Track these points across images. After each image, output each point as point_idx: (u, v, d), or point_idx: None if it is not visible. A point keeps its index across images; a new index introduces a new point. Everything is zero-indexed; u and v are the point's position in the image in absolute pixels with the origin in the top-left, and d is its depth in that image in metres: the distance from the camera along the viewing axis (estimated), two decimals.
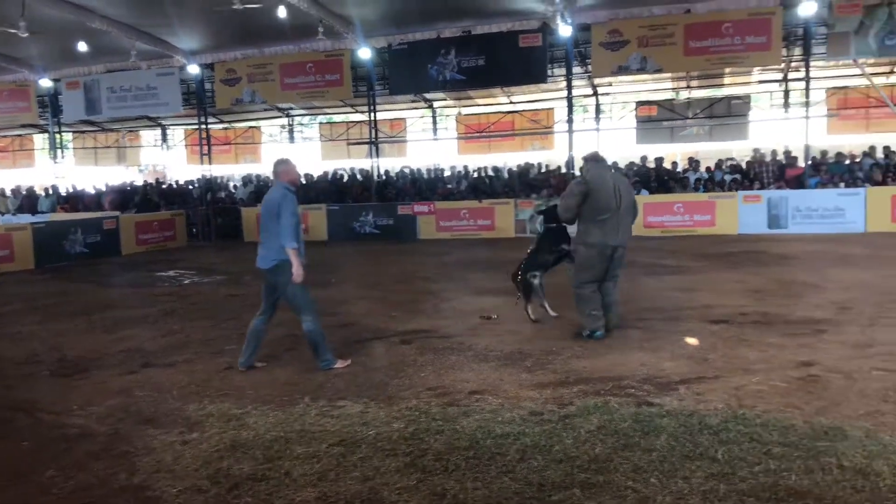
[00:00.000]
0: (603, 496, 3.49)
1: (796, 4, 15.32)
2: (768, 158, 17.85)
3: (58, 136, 24.68)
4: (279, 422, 4.74)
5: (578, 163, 19.29)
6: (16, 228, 15.19)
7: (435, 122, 25.73)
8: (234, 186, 24.27)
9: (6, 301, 10.51)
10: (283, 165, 6.12)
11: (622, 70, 16.92)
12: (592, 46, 17.00)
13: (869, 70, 17.98)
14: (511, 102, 24.20)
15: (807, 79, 16.85)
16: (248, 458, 4.15)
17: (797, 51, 18.47)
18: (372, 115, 20.52)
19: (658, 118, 22.44)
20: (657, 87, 22.53)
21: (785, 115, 21.08)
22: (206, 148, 21.67)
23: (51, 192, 22.63)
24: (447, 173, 22.01)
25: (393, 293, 9.86)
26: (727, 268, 10.95)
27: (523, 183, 19.59)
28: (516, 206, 17.54)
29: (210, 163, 22.15)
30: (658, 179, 18.05)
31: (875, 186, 15.80)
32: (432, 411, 4.78)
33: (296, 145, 27.75)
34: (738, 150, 22.35)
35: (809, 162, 16.85)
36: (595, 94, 22.87)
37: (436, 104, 25.22)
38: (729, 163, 19.04)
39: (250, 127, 27.83)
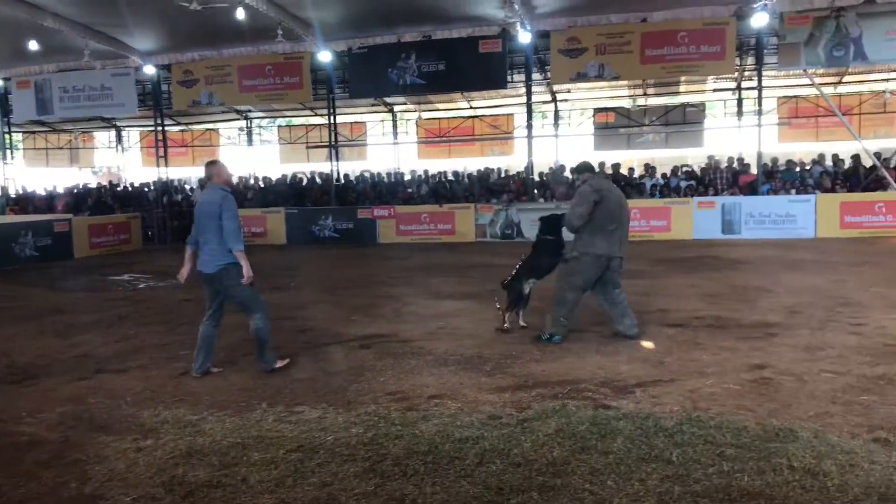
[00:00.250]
0: (560, 499, 3.52)
1: (749, 15, 15.68)
2: (723, 165, 18.22)
3: (7, 136, 24.02)
4: (236, 428, 4.68)
5: (538, 168, 19.61)
6: None
7: (395, 127, 25.72)
8: (192, 189, 23.90)
9: None
10: (214, 167, 6.11)
11: (580, 77, 17.13)
12: (551, 53, 17.17)
13: (818, 80, 18.47)
14: (471, 107, 24.31)
15: (759, 88, 17.24)
16: (203, 465, 4.09)
17: (750, 60, 18.91)
18: (332, 118, 20.42)
19: (615, 125, 22.79)
20: (614, 94, 22.85)
21: (738, 122, 21.55)
22: (162, 150, 21.31)
23: (0, 193, 22.03)
24: (407, 177, 22.01)
25: (352, 297, 9.81)
26: (682, 272, 11.14)
27: (483, 187, 19.68)
28: (476, 210, 17.61)
29: (167, 165, 21.79)
30: (615, 185, 18.26)
31: (824, 193, 16.25)
32: (391, 416, 4.77)
33: (254, 148, 27.49)
34: (693, 156, 22.76)
35: (762, 169, 17.23)
36: (554, 100, 23.12)
37: (396, 108, 25.22)
38: (684, 169, 19.37)
39: (208, 129, 27.50)
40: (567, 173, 19.43)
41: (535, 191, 18.43)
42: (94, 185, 25.38)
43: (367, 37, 18.32)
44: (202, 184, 22.97)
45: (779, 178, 17.45)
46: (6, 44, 18.63)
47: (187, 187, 24.72)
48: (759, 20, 15.56)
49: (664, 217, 16.36)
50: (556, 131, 23.44)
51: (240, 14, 15.33)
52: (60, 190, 23.68)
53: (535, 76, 19.41)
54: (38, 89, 20.55)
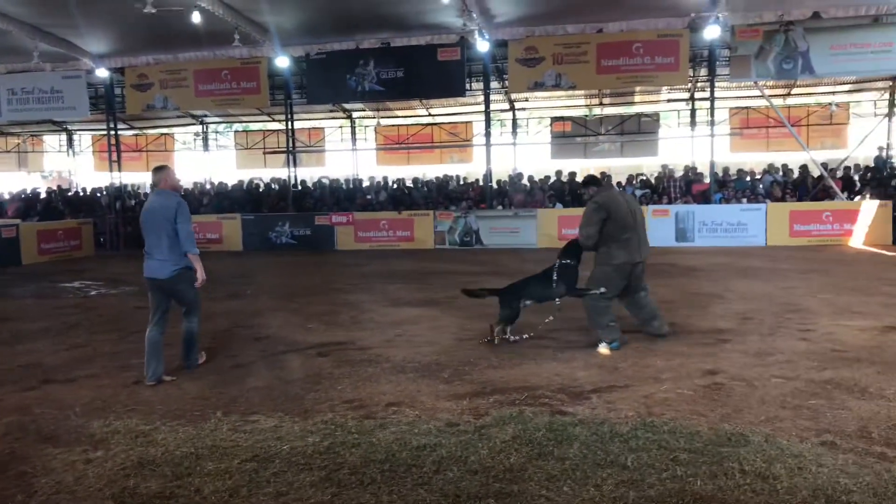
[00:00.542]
0: None
1: (702, 28, 16.04)
2: (676, 174, 18.57)
3: None
4: (189, 437, 4.60)
5: (497, 176, 19.72)
6: None
7: (354, 133, 25.64)
8: (145, 195, 23.46)
9: None
10: (162, 172, 6.16)
11: (538, 86, 17.31)
12: (509, 62, 17.33)
13: (768, 92, 18.98)
14: (430, 115, 24.38)
15: (711, 98, 17.63)
16: (156, 476, 4.00)
17: (703, 72, 19.36)
18: (289, 124, 20.28)
19: (572, 134, 23.08)
20: (571, 103, 23.15)
21: (691, 132, 22.01)
22: (115, 155, 20.90)
23: None
24: (366, 184, 21.95)
25: (310, 305, 9.73)
26: None
27: (442, 194, 19.73)
28: (435, 217, 17.64)
29: (120, 170, 21.39)
30: (572, 194, 18.49)
31: (775, 202, 16.67)
32: (348, 424, 4.74)
33: (210, 153, 27.15)
34: (648, 165, 23.19)
35: (714, 178, 17.59)
36: (512, 108, 23.32)
37: (355, 115, 25.17)
38: (639, 178, 19.69)
39: (162, 134, 27.06)
40: (525, 181, 19.63)
41: (494, 200, 18.53)
42: (43, 189, 24.75)
43: (326, 43, 18.26)
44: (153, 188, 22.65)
45: (730, 187, 17.86)
46: None
47: (141, 193, 24.28)
48: (712, 32, 15.93)
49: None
50: (514, 139, 23.63)
51: (196, 18, 15.14)
52: (6, 196, 23.05)
53: (494, 85, 19.57)
54: None
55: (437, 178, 21.92)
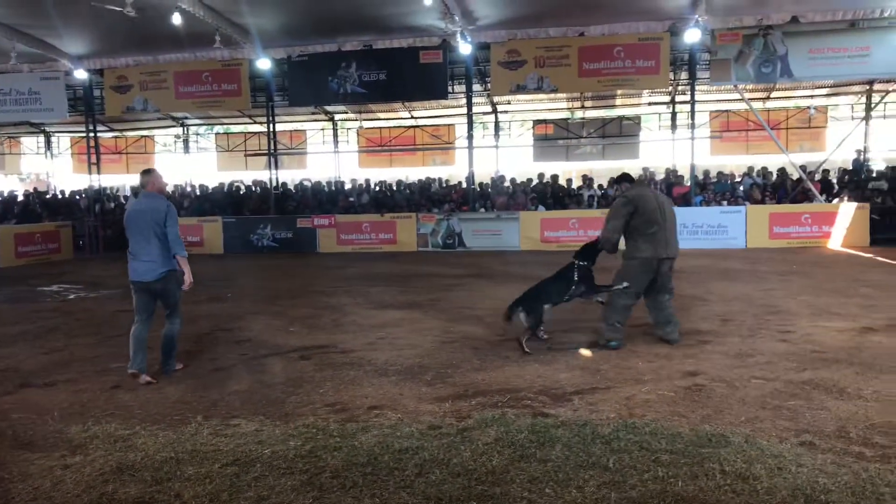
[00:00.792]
0: None
1: (682, 31, 16.16)
2: (657, 177, 18.68)
3: None
4: (169, 442, 4.56)
5: (479, 178, 19.74)
6: None
7: (336, 135, 25.57)
8: (125, 197, 23.26)
9: None
10: (150, 175, 6.25)
11: (520, 89, 17.35)
12: (491, 65, 17.36)
13: (748, 95, 19.16)
14: (412, 117, 24.38)
15: (692, 102, 17.75)
16: (135, 481, 3.96)
17: (683, 75, 19.50)
18: (271, 126, 20.19)
19: (554, 136, 23.16)
20: (553, 106, 23.24)
21: (672, 135, 22.15)
22: (94, 157, 20.70)
23: None
24: (348, 186, 21.90)
25: (291, 308, 9.68)
26: None
27: (425, 197, 19.72)
28: (418, 219, 17.62)
29: (99, 172, 21.17)
30: (554, 196, 18.57)
31: (754, 205, 16.82)
32: (330, 428, 4.71)
33: (191, 155, 26.97)
34: (629, 168, 23.25)
35: (695, 181, 17.72)
36: (494, 111, 23.36)
37: (337, 117, 25.10)
38: None
39: (142, 136, 26.83)
40: (507, 184, 19.68)
41: (476, 202, 18.54)
42: (20, 192, 24.45)
43: (307, 45, 18.20)
44: (135, 192, 22.48)
45: (711, 189, 17.99)
46: None
47: (121, 195, 24.07)
48: (692, 36, 16.05)
49: (601, 227, 16.55)
50: (496, 142, 23.68)
51: (176, 19, 15.02)
52: None
53: (476, 87, 19.60)
54: None
55: (419, 180, 21.92)
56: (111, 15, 14.72)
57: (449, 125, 24.35)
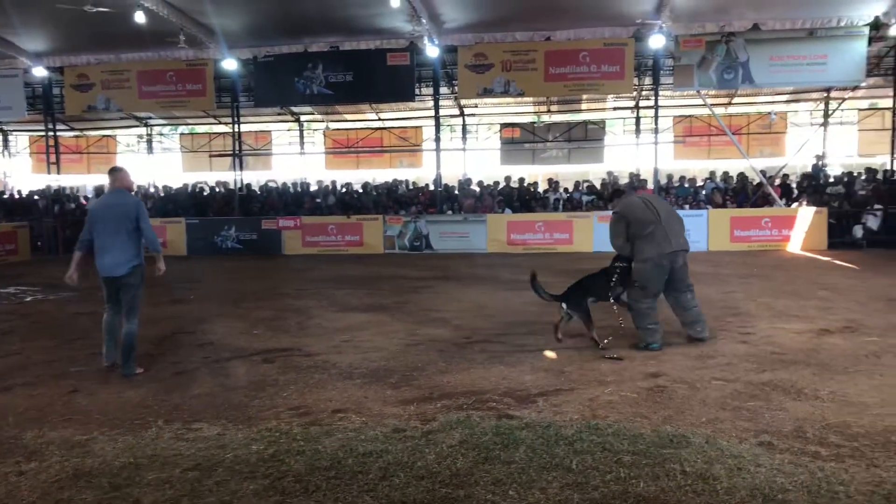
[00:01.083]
0: None
1: (647, 37, 16.36)
2: (621, 181, 18.88)
3: None
4: (128, 447, 4.48)
5: (447, 181, 19.78)
6: None
7: (302, 136, 25.41)
8: (85, 198, 22.85)
9: None
10: (119, 173, 6.48)
11: (487, 92, 17.41)
12: (459, 68, 17.40)
13: (710, 101, 19.45)
14: (380, 119, 24.32)
15: (656, 107, 17.97)
16: (92, 488, 3.89)
17: (647, 80, 19.75)
18: (236, 126, 19.99)
19: (521, 140, 23.27)
20: (520, 110, 23.37)
21: (636, 140, 22.41)
22: (53, 157, 20.29)
23: None
24: (314, 188, 21.77)
25: (255, 310, 9.58)
26: None
27: (392, 199, 19.69)
28: (385, 221, 17.58)
29: (59, 172, 20.76)
30: (521, 199, 18.67)
31: (716, 208, 17.09)
32: (294, 431, 4.68)
33: (154, 156, 26.58)
34: (595, 172, 23.55)
35: (658, 185, 17.94)
36: (462, 114, 23.42)
37: (303, 118, 24.94)
38: (586, 185, 19.98)
39: (104, 136, 26.36)
40: (475, 186, 19.74)
41: (444, 204, 18.56)
42: None
43: (273, 45, 18.06)
44: (98, 192, 22.10)
45: (673, 193, 18.24)
46: None
47: (81, 196, 23.63)
48: (656, 42, 16.26)
49: (567, 230, 16.80)
50: (463, 145, 23.75)
51: (139, 18, 14.81)
52: None
53: (443, 90, 19.64)
54: None
55: (386, 182, 21.88)
56: (71, 12, 14.46)
57: (416, 127, 24.33)
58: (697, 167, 22.75)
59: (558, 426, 4.63)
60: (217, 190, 21.54)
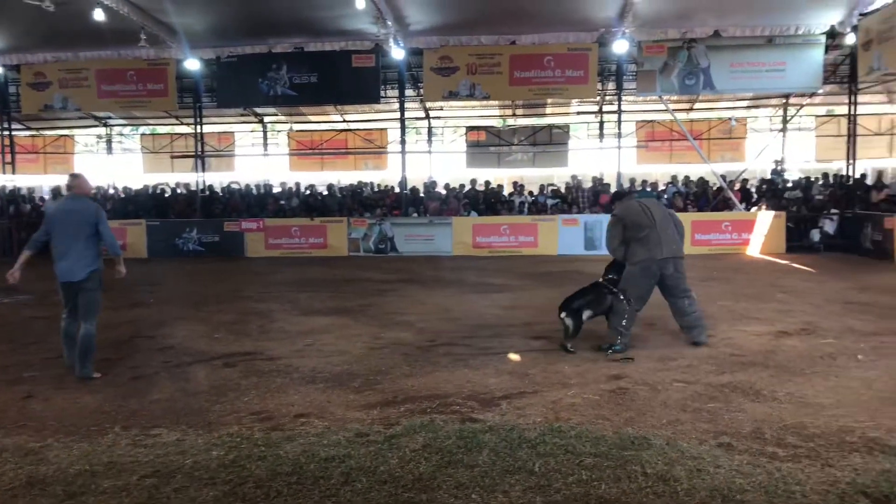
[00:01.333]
0: None
1: (610, 43, 16.54)
2: (585, 185, 19.05)
3: None
4: (84, 454, 4.38)
5: (412, 183, 19.75)
6: None
7: (265, 138, 25.14)
8: (42, 199, 22.33)
9: None
10: (77, 179, 6.48)
11: (452, 95, 17.44)
12: (424, 71, 17.40)
13: (672, 106, 19.73)
14: (344, 121, 24.19)
15: (619, 112, 18.17)
16: (46, 496, 3.79)
17: (611, 86, 19.93)
18: (198, 127, 19.72)
19: (486, 143, 23.33)
20: (486, 113, 23.42)
21: (600, 144, 22.61)
22: (9, 156, 19.80)
23: None
24: (277, 189, 21.56)
25: (217, 314, 9.45)
26: (547, 286, 11.51)
27: (357, 201, 19.59)
28: (349, 224, 17.49)
29: (14, 172, 20.27)
30: (486, 202, 18.71)
31: (677, 212, 17.26)
32: (255, 437, 4.62)
33: (114, 156, 26.09)
34: (559, 176, 23.70)
35: (621, 188, 18.11)
36: (427, 116, 23.41)
37: (267, 119, 24.69)
38: (551, 188, 20.10)
39: (62, 135, 25.79)
40: (440, 189, 19.73)
41: (409, 207, 18.54)
42: None
43: (237, 46, 17.89)
44: (55, 193, 21.62)
45: (636, 197, 18.41)
46: None
47: (37, 197, 23.09)
48: (620, 47, 16.46)
49: (531, 233, 16.89)
50: (429, 147, 23.73)
51: (98, 16, 14.54)
52: None
53: (409, 92, 19.60)
54: None
55: (351, 184, 21.77)
56: (28, 9, 14.13)
57: (382, 129, 24.24)
58: (659, 171, 23.03)
59: (521, 429, 4.64)
60: (178, 191, 21.22)
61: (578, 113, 23.48)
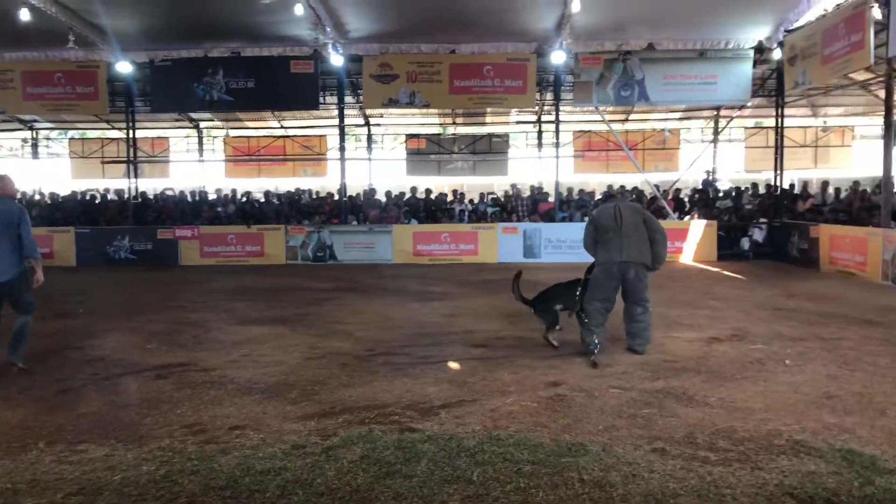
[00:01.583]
0: None
1: (548, 53, 16.78)
2: (524, 194, 19.26)
3: None
4: (6, 472, 4.19)
5: (351, 190, 19.61)
6: None
7: (201, 143, 24.65)
8: None
9: None
10: (3, 180, 6.50)
11: (392, 103, 17.40)
12: (364, 78, 17.31)
13: (608, 117, 20.13)
14: (282, 127, 23.90)
15: (557, 122, 18.43)
16: None
17: (549, 96, 20.23)
18: (131, 132, 19.19)
19: (426, 151, 23.37)
20: (426, 121, 23.48)
21: (538, 153, 22.87)
22: None
23: None
24: (213, 196, 21.14)
25: (149, 324, 9.18)
26: (487, 294, 11.57)
27: (295, 209, 19.36)
28: (287, 231, 17.27)
29: None
30: (427, 210, 18.73)
31: None
32: (188, 450, 4.50)
33: (41, 161, 25.17)
34: (499, 184, 23.91)
35: (559, 197, 18.38)
36: (367, 124, 23.33)
37: (202, 124, 24.22)
38: (490, 196, 20.26)
39: None
40: (380, 196, 19.65)
41: (348, 215, 18.40)
42: None
43: (171, 49, 17.47)
44: None
45: (573, 206, 18.74)
46: None
47: None
48: (557, 58, 16.70)
49: (472, 241, 16.97)
50: (369, 154, 23.63)
51: (24, 15, 14.03)
52: None
53: (348, 99, 19.48)
54: None
55: (289, 191, 21.51)
56: None
57: (320, 136, 24.03)
58: (596, 180, 23.46)
59: (460, 438, 4.64)
60: (109, 198, 20.60)
61: (517, 122, 23.73)
